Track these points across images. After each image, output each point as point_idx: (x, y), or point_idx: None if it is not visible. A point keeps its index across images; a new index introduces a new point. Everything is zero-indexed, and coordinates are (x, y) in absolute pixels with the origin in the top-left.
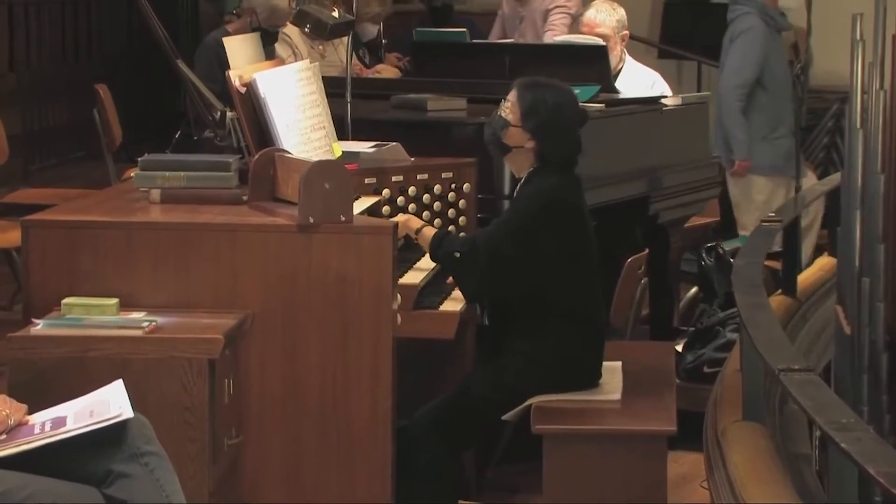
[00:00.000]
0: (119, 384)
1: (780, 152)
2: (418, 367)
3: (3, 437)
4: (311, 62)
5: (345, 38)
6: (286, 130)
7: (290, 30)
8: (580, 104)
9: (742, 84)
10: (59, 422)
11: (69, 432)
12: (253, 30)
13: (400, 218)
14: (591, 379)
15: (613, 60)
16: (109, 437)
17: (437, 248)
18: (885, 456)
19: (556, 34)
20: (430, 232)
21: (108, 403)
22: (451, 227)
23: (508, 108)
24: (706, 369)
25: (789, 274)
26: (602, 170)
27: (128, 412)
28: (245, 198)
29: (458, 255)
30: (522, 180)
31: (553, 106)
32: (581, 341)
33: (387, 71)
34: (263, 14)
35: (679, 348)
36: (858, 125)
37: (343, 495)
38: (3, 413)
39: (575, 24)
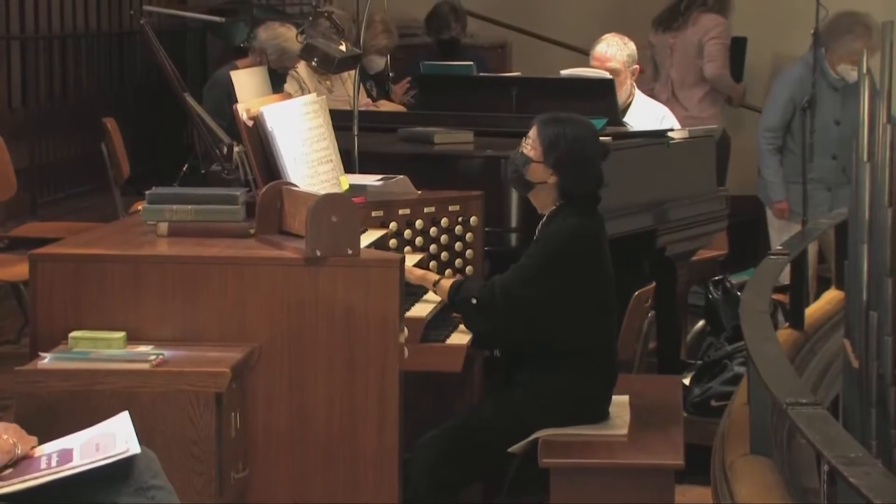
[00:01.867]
0: (125, 416)
1: (797, 198)
2: (425, 400)
3: (10, 470)
4: (318, 97)
5: (352, 72)
6: (293, 163)
7: (298, 65)
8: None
9: (768, 128)
10: (65, 455)
11: (75, 468)
12: None
13: (416, 273)
14: (600, 413)
15: (623, 95)
16: (116, 471)
17: (455, 295)
18: (894, 490)
19: (717, 65)
20: (447, 283)
21: (114, 436)
22: (457, 260)
23: (530, 145)
24: (714, 403)
25: (797, 307)
26: (609, 203)
27: (134, 448)
28: (252, 231)
29: (475, 300)
30: (544, 219)
31: (574, 140)
32: (593, 376)
33: (385, 106)
34: (273, 55)
35: (686, 382)
36: (865, 158)
37: None
38: (10, 442)
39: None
